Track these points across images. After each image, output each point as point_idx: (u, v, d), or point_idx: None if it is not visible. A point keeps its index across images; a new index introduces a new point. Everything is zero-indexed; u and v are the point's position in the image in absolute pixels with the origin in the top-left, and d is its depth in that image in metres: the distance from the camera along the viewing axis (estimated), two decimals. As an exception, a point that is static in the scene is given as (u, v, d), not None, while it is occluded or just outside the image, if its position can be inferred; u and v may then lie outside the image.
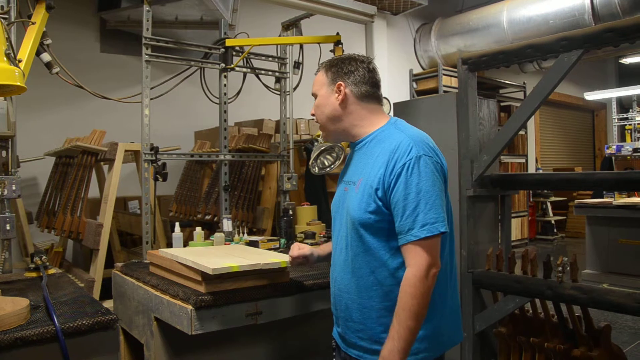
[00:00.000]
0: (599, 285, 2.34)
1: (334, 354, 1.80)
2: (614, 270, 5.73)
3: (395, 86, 7.30)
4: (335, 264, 1.68)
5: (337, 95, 1.65)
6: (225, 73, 3.29)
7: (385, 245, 1.54)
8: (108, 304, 2.50)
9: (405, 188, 1.47)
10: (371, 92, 1.67)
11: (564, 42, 2.31)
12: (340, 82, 1.65)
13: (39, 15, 2.37)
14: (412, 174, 1.47)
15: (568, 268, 2.30)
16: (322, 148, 2.31)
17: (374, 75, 1.68)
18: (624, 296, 2.09)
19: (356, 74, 1.65)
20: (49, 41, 2.62)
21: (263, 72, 3.49)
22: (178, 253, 2.15)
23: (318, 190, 4.19)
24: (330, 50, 3.32)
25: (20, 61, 2.10)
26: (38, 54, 2.55)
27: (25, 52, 2.21)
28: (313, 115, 1.73)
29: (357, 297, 1.58)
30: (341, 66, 1.66)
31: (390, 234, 1.53)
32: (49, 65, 2.67)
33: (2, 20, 1.99)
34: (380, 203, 1.51)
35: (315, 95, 1.72)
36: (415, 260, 1.46)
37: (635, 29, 2.08)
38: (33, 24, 2.28)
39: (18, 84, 1.84)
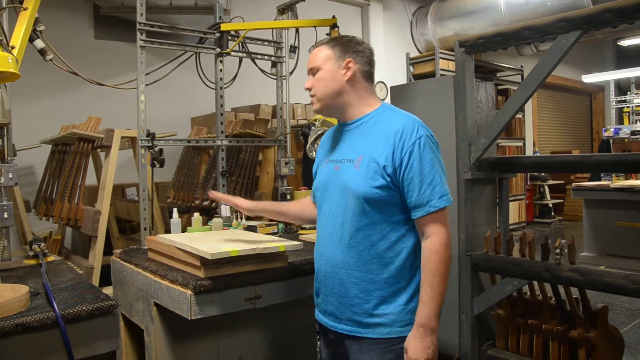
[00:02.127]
0: (597, 267, 2.35)
1: (318, 337, 1.81)
2: (611, 253, 5.76)
3: (392, 70, 7.27)
4: (327, 241, 1.69)
5: (344, 71, 1.67)
6: (221, 58, 3.26)
7: (388, 219, 1.61)
8: (107, 291, 2.50)
9: (420, 163, 1.56)
10: (372, 73, 1.74)
11: (562, 23, 2.29)
12: (350, 59, 1.67)
13: (31, 1, 2.33)
14: (425, 150, 1.57)
15: (566, 250, 2.31)
16: (319, 132, 2.30)
17: (373, 57, 1.76)
18: (621, 278, 2.10)
19: (363, 54, 1.70)
20: (42, 27, 2.59)
21: (259, 56, 3.47)
22: (176, 239, 2.15)
23: (316, 175, 4.18)
24: (327, 34, 3.29)
25: (13, 47, 2.08)
26: (31, 40, 2.52)
27: (18, 38, 2.18)
28: (308, 89, 1.72)
29: (355, 271, 1.62)
30: (349, 44, 1.70)
31: (392, 208, 1.60)
32: (42, 52, 2.64)
33: (-6, 5, 1.97)
34: (388, 179, 1.57)
35: (314, 69, 1.70)
36: (437, 229, 1.57)
37: (634, 9, 2.06)
38: (25, 9, 2.25)
39: (12, 70, 1.83)
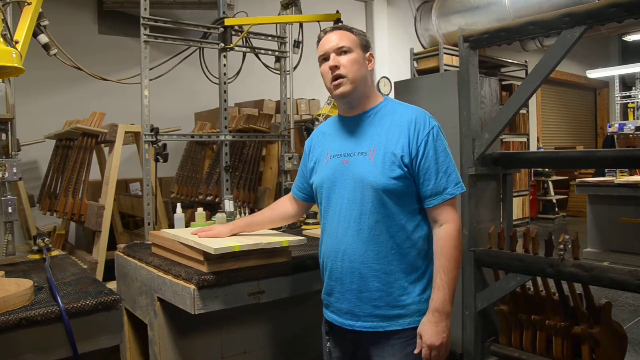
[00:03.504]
0: (600, 263, 2.35)
1: (327, 338, 1.79)
2: (615, 249, 5.75)
3: (396, 65, 7.25)
4: (342, 236, 1.67)
5: (367, 62, 1.74)
6: (225, 53, 3.26)
7: (404, 210, 1.64)
8: (111, 285, 2.51)
9: (435, 153, 1.62)
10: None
11: (566, 18, 2.28)
12: (371, 52, 1.76)
13: (35, -4, 2.33)
14: (438, 140, 1.64)
15: (569, 246, 2.31)
16: (323, 128, 2.29)
17: None
18: (625, 273, 2.10)
19: (373, 52, 1.79)
20: (45, 22, 2.59)
21: (263, 51, 3.46)
22: (180, 233, 2.15)
23: (319, 171, 4.17)
24: (330, 29, 3.28)
25: (17, 42, 2.07)
26: (35, 35, 2.52)
27: (22, 33, 2.18)
28: (336, 67, 1.67)
29: (375, 264, 1.62)
30: (367, 40, 1.76)
31: (408, 198, 1.64)
32: (46, 47, 2.64)
33: (-3, 0, 1.97)
34: (405, 169, 1.61)
35: (345, 49, 1.68)
36: (452, 216, 1.63)
37: None
38: (29, 4, 2.25)
39: (15, 65, 1.82)
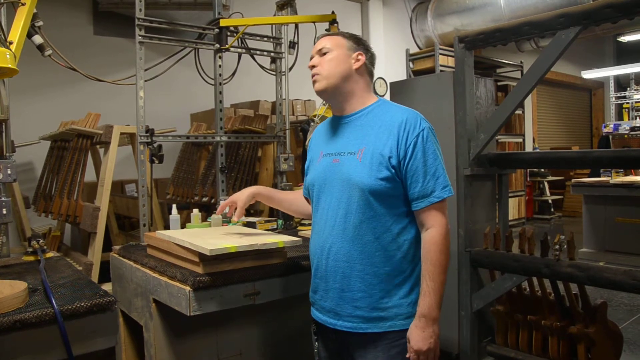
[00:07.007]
0: (596, 263, 2.35)
1: (315, 337, 1.80)
2: (610, 249, 5.77)
3: (391, 66, 7.26)
4: (328, 235, 1.68)
5: (354, 61, 1.73)
6: (220, 54, 3.26)
7: (390, 212, 1.62)
8: (107, 287, 2.50)
9: (423, 155, 1.60)
10: (373, 73, 1.82)
11: (561, 18, 2.29)
12: (360, 52, 1.75)
13: (29, -4, 2.32)
14: (428, 142, 1.62)
15: (565, 246, 2.32)
16: (319, 128, 2.29)
17: (375, 60, 1.86)
18: (621, 273, 2.10)
19: (371, 53, 1.80)
20: (40, 23, 2.58)
21: (258, 52, 3.46)
22: (175, 235, 2.15)
23: (315, 172, 4.17)
24: (326, 30, 3.28)
25: (11, 43, 2.06)
26: (29, 36, 2.51)
27: (16, 34, 2.16)
28: (313, 66, 1.73)
29: (358, 264, 1.62)
30: (362, 42, 1.78)
31: (395, 200, 1.63)
32: (41, 48, 2.63)
33: (-9, 1, 1.96)
34: (393, 171, 1.60)
35: (324, 50, 1.72)
36: (438, 220, 1.60)
37: (634, 4, 2.06)
38: (23, 4, 2.24)
39: (9, 66, 1.82)
